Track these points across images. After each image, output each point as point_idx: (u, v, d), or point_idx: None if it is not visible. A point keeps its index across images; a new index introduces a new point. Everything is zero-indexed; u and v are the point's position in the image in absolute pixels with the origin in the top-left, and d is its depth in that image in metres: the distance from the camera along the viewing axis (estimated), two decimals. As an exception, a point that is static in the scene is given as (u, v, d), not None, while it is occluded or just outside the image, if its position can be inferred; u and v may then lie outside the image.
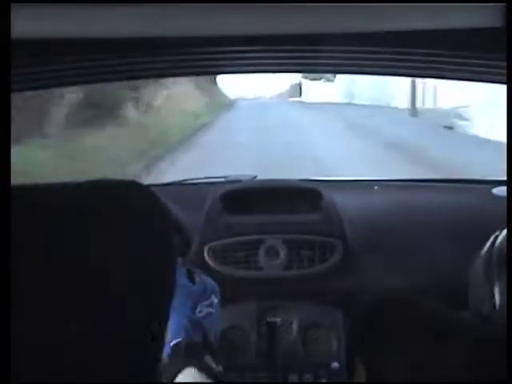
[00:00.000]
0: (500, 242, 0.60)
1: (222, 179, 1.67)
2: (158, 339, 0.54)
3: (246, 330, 1.29)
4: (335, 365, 1.28)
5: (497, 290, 0.58)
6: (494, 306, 0.57)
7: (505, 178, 1.47)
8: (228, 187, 1.51)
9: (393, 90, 16.51)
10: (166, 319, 0.57)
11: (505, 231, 0.61)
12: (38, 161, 6.09)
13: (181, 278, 0.82)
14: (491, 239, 0.61)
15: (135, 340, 0.50)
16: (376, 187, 1.60)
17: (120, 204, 0.52)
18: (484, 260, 0.62)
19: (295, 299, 1.32)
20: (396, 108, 15.68)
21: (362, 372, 0.57)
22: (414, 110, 13.68)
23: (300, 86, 32.90)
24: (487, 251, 0.62)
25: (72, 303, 0.48)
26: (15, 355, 0.45)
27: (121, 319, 0.49)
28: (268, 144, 8.84)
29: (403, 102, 15.02)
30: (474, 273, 0.63)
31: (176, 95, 13.61)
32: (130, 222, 0.52)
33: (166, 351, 0.75)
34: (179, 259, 0.85)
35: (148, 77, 1.43)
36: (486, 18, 0.66)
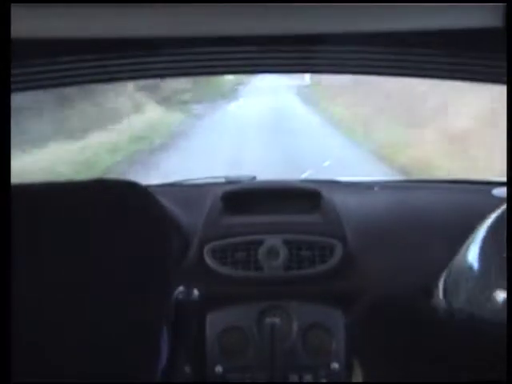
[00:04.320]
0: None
1: (222, 179, 1.67)
2: (157, 338, 0.54)
3: (245, 330, 1.29)
4: (335, 365, 1.27)
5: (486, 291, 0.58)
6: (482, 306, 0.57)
7: (505, 179, 1.47)
8: (228, 188, 1.51)
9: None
10: (164, 318, 0.57)
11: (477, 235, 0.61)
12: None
13: None
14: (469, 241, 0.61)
15: (133, 339, 0.50)
16: (376, 188, 1.60)
17: (118, 204, 0.52)
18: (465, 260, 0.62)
19: (295, 300, 1.32)
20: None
21: (360, 373, 0.56)
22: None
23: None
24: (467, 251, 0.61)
25: (70, 302, 0.47)
26: (14, 355, 0.45)
27: (119, 318, 0.49)
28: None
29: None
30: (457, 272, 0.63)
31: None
32: (129, 222, 0.52)
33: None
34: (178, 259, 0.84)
35: (148, 77, 1.43)
36: (486, 18, 0.66)
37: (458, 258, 0.62)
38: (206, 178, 1.72)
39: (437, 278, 1.23)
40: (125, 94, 9.46)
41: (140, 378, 0.51)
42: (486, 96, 5.81)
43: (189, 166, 5.32)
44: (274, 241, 1.32)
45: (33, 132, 6.63)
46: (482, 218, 0.67)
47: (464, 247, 0.61)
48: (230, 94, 13.20)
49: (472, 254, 0.58)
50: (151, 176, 5.22)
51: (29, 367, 0.46)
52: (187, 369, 1.17)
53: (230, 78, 14.20)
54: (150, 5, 0.66)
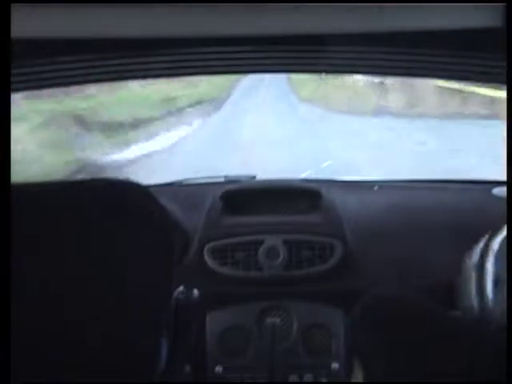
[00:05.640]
0: (497, 243, 0.60)
1: (222, 179, 1.67)
2: (157, 337, 0.54)
3: (246, 330, 1.29)
4: (335, 365, 1.28)
5: (488, 290, 0.58)
6: (485, 306, 0.57)
7: (505, 179, 1.47)
8: (228, 187, 1.51)
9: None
10: (164, 317, 0.57)
11: (500, 233, 0.61)
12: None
13: None
14: (483, 241, 0.61)
15: (133, 339, 0.50)
16: (376, 187, 1.60)
17: (118, 204, 0.52)
18: (476, 261, 0.62)
19: (295, 299, 1.32)
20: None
21: (361, 372, 0.57)
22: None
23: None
24: (480, 252, 0.62)
25: (70, 302, 0.47)
26: (14, 354, 0.45)
27: (119, 318, 0.49)
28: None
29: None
30: (465, 273, 0.63)
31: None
32: (129, 221, 0.52)
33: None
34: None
35: (148, 77, 1.43)
36: (486, 18, 0.66)
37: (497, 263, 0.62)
38: (206, 177, 1.72)
39: (436, 277, 1.22)
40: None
41: (140, 377, 0.51)
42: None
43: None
44: (273, 241, 1.32)
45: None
46: (482, 217, 0.67)
47: (500, 251, 0.61)
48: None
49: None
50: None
51: (29, 367, 0.46)
52: (187, 369, 1.17)
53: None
54: (150, 5, 0.66)
